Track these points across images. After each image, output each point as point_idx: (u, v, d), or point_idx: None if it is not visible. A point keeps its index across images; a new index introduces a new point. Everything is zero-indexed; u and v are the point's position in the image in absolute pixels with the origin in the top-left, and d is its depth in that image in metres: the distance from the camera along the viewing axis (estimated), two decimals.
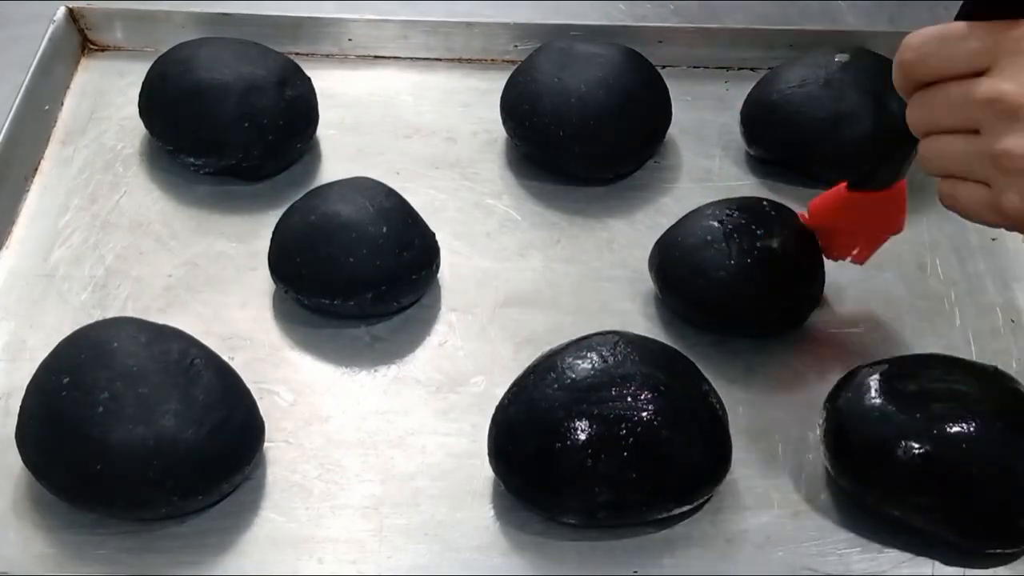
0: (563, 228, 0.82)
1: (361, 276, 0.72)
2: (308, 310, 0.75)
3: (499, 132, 0.86)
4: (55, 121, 0.87)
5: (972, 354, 0.74)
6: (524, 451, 0.63)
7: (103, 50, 0.93)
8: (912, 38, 0.56)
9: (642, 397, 0.62)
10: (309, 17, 0.92)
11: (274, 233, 0.75)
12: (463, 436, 0.69)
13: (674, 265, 0.74)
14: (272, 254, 0.75)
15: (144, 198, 0.82)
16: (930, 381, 0.65)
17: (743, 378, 0.73)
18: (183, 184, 0.83)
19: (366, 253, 0.72)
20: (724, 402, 0.66)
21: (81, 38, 0.92)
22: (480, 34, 0.93)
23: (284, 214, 0.76)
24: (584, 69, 0.82)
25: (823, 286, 0.75)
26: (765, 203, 0.76)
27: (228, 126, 0.79)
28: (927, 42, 0.55)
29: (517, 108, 0.83)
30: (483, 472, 0.67)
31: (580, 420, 0.62)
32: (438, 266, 0.76)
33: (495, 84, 0.86)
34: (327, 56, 0.93)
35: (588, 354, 0.64)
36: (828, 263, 0.76)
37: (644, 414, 0.62)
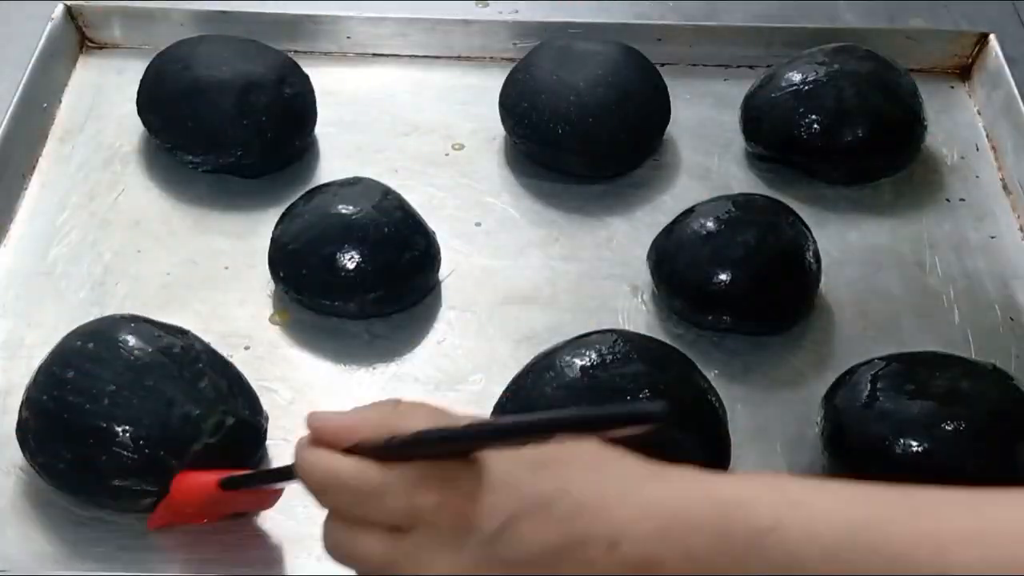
0: (562, 226, 0.82)
1: (361, 277, 0.72)
2: (307, 308, 0.75)
3: (498, 130, 0.86)
4: (53, 119, 0.87)
5: (971, 352, 0.74)
6: None
7: (101, 48, 0.93)
8: (316, 466, 0.48)
9: (641, 396, 0.62)
10: (308, 15, 0.92)
11: (273, 235, 0.75)
12: None
13: (672, 262, 0.74)
14: (272, 256, 0.75)
15: (142, 196, 0.82)
16: (928, 379, 0.65)
17: (742, 376, 0.73)
18: (182, 182, 0.83)
19: (366, 254, 0.72)
20: (723, 400, 0.66)
21: (79, 36, 0.92)
22: (479, 32, 0.93)
23: (283, 216, 0.76)
24: (583, 67, 0.82)
25: (820, 283, 0.75)
26: (763, 200, 0.76)
27: (227, 124, 0.79)
28: (339, 488, 0.48)
29: (516, 106, 0.83)
30: None
31: None
32: (438, 265, 0.76)
33: (494, 82, 0.86)
34: (326, 54, 0.93)
35: (587, 352, 0.64)
36: (826, 258, 0.76)
37: None
